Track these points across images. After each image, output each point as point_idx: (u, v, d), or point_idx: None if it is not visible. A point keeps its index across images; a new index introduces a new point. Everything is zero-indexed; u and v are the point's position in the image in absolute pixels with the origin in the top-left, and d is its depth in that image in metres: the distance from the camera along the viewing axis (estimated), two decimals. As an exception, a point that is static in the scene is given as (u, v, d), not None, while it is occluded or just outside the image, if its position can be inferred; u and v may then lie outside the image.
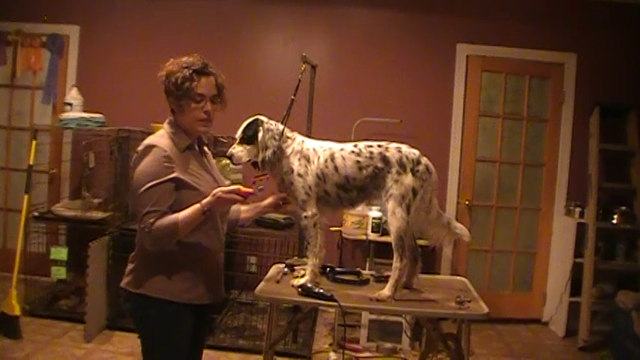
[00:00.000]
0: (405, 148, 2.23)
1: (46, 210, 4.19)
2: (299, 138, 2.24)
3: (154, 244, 1.85)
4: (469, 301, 2.18)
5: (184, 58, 1.95)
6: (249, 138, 2.16)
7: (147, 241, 1.85)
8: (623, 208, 4.42)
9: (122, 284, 1.99)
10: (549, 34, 4.67)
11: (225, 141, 4.00)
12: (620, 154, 4.60)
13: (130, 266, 1.99)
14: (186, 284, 1.94)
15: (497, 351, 4.13)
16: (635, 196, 4.50)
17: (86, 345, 3.62)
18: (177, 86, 1.91)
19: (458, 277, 2.71)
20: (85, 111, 4.25)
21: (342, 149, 2.22)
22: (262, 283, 2.29)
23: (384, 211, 2.22)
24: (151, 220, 1.81)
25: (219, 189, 1.87)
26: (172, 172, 1.87)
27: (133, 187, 1.89)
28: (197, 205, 1.84)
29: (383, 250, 4.02)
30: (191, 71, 1.91)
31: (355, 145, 2.23)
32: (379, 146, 2.22)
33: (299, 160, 2.18)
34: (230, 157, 2.15)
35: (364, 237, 4.15)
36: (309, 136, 2.34)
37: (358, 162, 2.18)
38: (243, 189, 1.88)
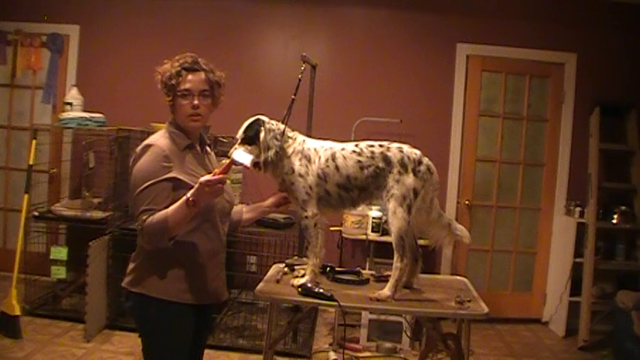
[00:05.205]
0: (406, 148, 2.23)
1: (46, 210, 4.19)
2: (300, 138, 2.24)
3: (147, 242, 1.84)
4: (469, 301, 2.18)
5: (177, 57, 1.96)
6: (250, 138, 2.15)
7: (141, 240, 1.85)
8: (623, 207, 4.43)
9: (123, 283, 1.98)
10: (549, 33, 4.67)
11: (225, 141, 4.00)
12: (620, 153, 4.60)
13: (131, 265, 1.99)
14: (187, 284, 1.94)
15: (497, 351, 4.13)
16: (635, 195, 4.50)
17: (86, 344, 3.62)
18: (165, 84, 1.93)
19: (458, 277, 2.72)
20: (85, 111, 4.25)
21: (343, 149, 2.22)
22: (262, 283, 2.30)
23: (385, 211, 2.22)
24: (144, 218, 1.80)
25: (203, 178, 1.77)
26: (170, 172, 1.87)
27: (130, 186, 1.89)
28: (183, 198, 1.78)
29: (383, 250, 4.03)
30: (179, 68, 1.92)
31: (356, 145, 2.23)
32: (380, 146, 2.22)
33: (300, 160, 2.18)
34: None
35: (364, 237, 4.15)
36: (309, 136, 2.34)
37: (359, 162, 2.18)
38: (217, 171, 1.79)
